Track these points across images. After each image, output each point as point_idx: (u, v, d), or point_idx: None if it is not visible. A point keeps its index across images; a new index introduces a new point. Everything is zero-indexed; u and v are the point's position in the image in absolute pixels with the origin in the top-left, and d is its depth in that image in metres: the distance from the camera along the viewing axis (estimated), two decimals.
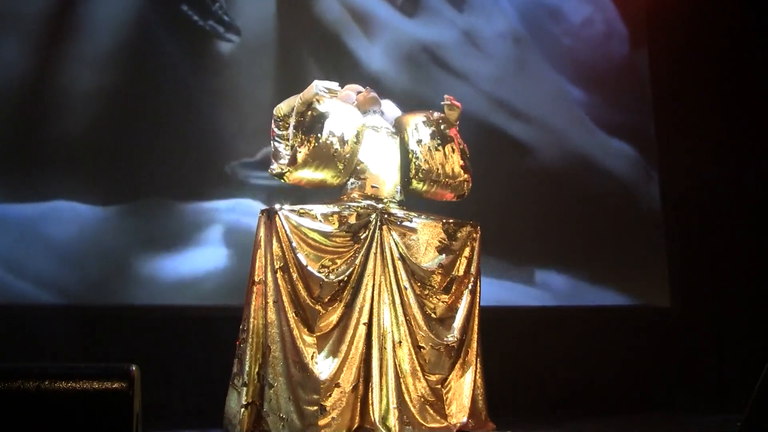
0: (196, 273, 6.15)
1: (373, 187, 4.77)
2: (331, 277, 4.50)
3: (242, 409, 4.38)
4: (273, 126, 4.77)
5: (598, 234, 6.89)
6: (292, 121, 4.66)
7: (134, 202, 6.11)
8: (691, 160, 7.02)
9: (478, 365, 4.70)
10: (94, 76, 6.18)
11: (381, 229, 4.63)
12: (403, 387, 4.50)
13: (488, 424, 4.68)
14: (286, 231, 4.48)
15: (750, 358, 6.16)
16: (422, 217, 4.77)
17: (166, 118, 6.25)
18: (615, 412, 5.88)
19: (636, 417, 5.81)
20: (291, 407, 4.36)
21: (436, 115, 4.98)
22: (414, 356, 4.56)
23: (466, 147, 4.99)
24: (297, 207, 4.60)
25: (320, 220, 4.56)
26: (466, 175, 4.92)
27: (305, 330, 4.45)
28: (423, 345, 4.58)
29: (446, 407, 4.59)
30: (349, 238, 4.58)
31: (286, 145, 4.69)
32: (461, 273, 4.75)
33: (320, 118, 4.67)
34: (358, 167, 4.76)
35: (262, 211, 4.61)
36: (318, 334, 4.46)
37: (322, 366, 4.42)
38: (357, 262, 4.56)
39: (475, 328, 4.74)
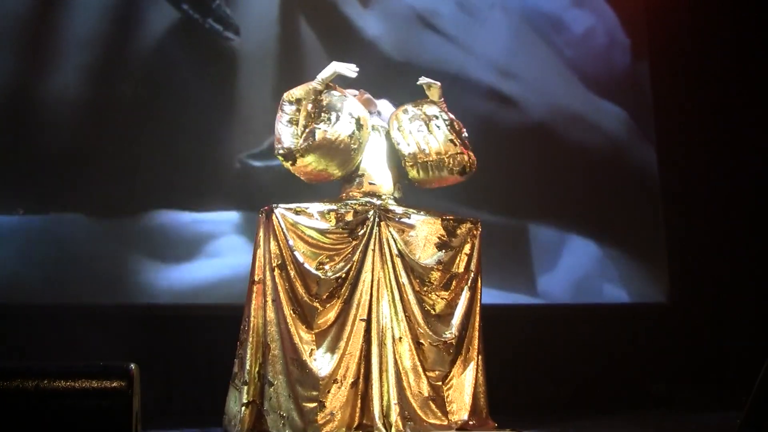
0: (197, 274, 6.16)
1: (370, 184, 4.77)
2: (329, 274, 4.50)
3: (243, 408, 4.39)
4: (282, 111, 4.74)
5: (599, 233, 6.91)
6: (309, 102, 4.70)
7: (133, 210, 6.11)
8: (691, 157, 7.02)
9: (480, 363, 4.69)
10: (90, 81, 6.19)
11: (379, 225, 4.63)
12: (404, 383, 4.50)
13: (489, 422, 4.68)
14: (282, 229, 4.50)
15: (750, 355, 6.16)
16: (421, 213, 4.77)
17: (166, 122, 6.28)
18: (615, 409, 5.88)
19: (636, 414, 5.82)
20: (291, 405, 4.36)
21: (418, 100, 4.97)
22: (414, 352, 4.56)
23: (456, 122, 4.92)
24: (293, 205, 4.60)
25: (317, 218, 4.56)
26: (457, 148, 4.83)
27: (303, 327, 4.46)
28: (422, 341, 4.58)
29: (447, 404, 4.59)
30: (346, 235, 4.58)
31: (296, 129, 4.68)
32: (461, 270, 4.74)
33: (341, 99, 4.72)
34: (358, 166, 4.78)
35: (261, 211, 4.61)
36: (316, 331, 4.46)
37: (321, 363, 4.42)
38: (355, 258, 4.56)
39: (476, 325, 4.73)
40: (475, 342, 4.72)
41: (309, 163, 4.69)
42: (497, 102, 6.90)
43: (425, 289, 4.64)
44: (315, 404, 4.36)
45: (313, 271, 4.49)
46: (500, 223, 6.49)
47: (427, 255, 4.68)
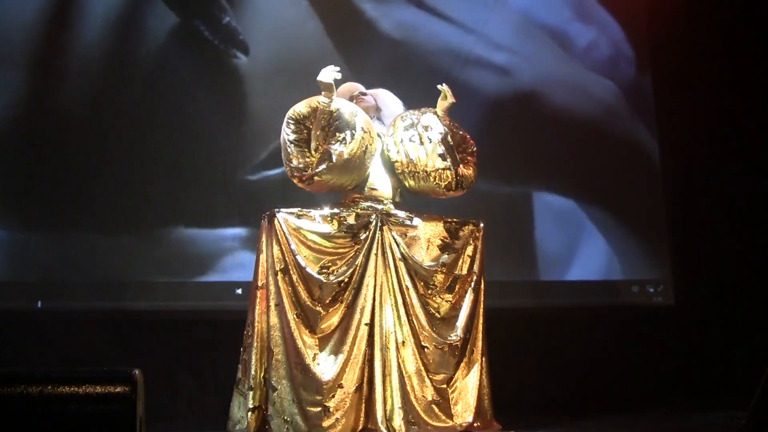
0: (201, 276, 6.18)
1: (372, 189, 4.78)
2: (331, 278, 4.50)
3: (249, 413, 4.40)
4: (288, 129, 4.70)
5: (601, 230, 6.92)
6: (321, 120, 4.65)
7: (139, 225, 6.13)
8: (695, 157, 7.02)
9: (484, 364, 4.69)
10: (97, 97, 6.21)
11: (381, 229, 4.63)
12: (407, 387, 4.50)
13: (494, 424, 4.68)
14: (285, 233, 4.50)
15: (755, 356, 6.16)
16: (423, 216, 4.77)
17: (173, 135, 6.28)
18: (620, 410, 5.87)
19: (641, 415, 5.80)
20: (295, 409, 4.36)
21: (423, 108, 4.93)
22: (418, 356, 4.55)
23: (456, 135, 4.89)
24: (295, 209, 4.60)
25: (319, 222, 4.57)
26: (445, 164, 4.78)
27: (306, 331, 4.46)
28: (426, 345, 4.57)
29: (452, 407, 4.59)
30: (349, 239, 4.58)
31: (306, 150, 4.66)
32: (464, 272, 4.74)
33: (352, 115, 4.69)
34: None
35: (263, 216, 4.62)
36: (319, 335, 4.46)
37: (324, 367, 4.42)
38: (357, 262, 4.56)
39: (480, 326, 4.74)
40: (479, 344, 4.72)
41: (326, 181, 4.68)
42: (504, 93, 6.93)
43: (429, 292, 4.64)
44: (319, 408, 4.36)
45: (316, 275, 4.49)
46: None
47: (430, 257, 4.68)
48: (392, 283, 4.58)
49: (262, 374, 4.45)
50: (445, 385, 4.59)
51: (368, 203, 4.74)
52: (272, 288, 4.48)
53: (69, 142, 6.13)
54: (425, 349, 4.57)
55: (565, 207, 6.88)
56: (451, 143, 4.85)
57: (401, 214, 4.74)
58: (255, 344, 4.46)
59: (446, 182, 4.81)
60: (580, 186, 6.91)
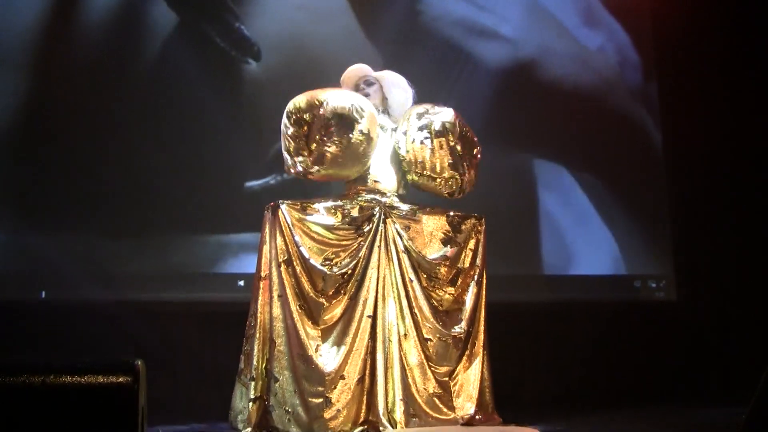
0: (205, 268, 6.19)
1: (375, 181, 4.78)
2: (335, 270, 4.51)
3: (250, 404, 4.40)
4: (287, 122, 4.68)
5: (604, 225, 6.92)
6: (318, 120, 4.63)
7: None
8: (699, 157, 7.02)
9: (485, 357, 4.70)
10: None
11: (385, 222, 4.63)
12: (409, 379, 4.51)
13: (495, 416, 4.69)
14: (288, 225, 4.50)
15: (757, 351, 6.17)
16: (426, 209, 4.77)
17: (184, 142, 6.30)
18: (621, 405, 5.87)
19: (642, 410, 5.81)
20: (296, 400, 4.37)
21: (437, 108, 4.88)
22: (420, 348, 4.56)
23: (461, 145, 4.84)
24: (299, 201, 4.60)
25: (323, 213, 4.57)
26: (452, 173, 4.79)
27: (309, 323, 4.46)
28: (430, 337, 4.58)
29: (453, 399, 4.59)
30: (352, 231, 4.58)
31: (304, 148, 4.66)
32: (467, 265, 4.75)
33: (351, 118, 4.64)
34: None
35: (267, 207, 4.62)
36: (322, 326, 4.47)
37: (327, 358, 4.43)
38: (361, 254, 4.56)
39: (482, 320, 4.74)
40: (481, 337, 4.73)
41: (322, 177, 4.71)
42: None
43: (433, 284, 4.64)
44: (321, 400, 4.37)
45: (319, 266, 4.49)
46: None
47: (433, 250, 4.68)
48: (395, 276, 4.58)
49: (264, 365, 4.45)
50: (447, 378, 4.60)
51: (372, 195, 4.74)
52: (275, 279, 4.48)
53: (76, 143, 6.15)
54: (428, 342, 4.58)
55: (568, 202, 6.88)
56: (461, 152, 4.83)
57: (405, 206, 4.75)
58: (257, 335, 4.46)
59: (450, 189, 4.84)
60: (583, 182, 6.91)
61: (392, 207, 4.70)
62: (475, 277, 4.76)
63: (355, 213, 4.61)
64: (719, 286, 6.87)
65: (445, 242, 4.71)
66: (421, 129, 4.79)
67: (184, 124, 6.30)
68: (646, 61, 7.25)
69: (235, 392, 4.53)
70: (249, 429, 4.36)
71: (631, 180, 7.03)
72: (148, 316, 5.87)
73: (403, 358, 4.51)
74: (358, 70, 4.99)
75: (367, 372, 4.48)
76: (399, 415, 4.39)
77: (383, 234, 4.62)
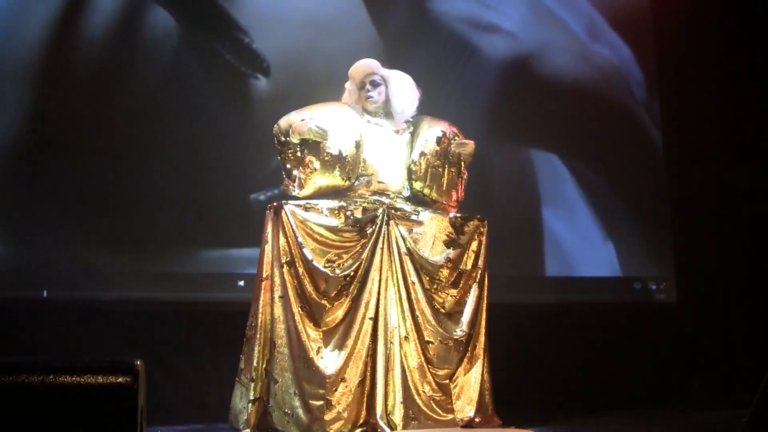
0: (206, 268, 6.19)
1: (379, 183, 4.77)
2: (337, 271, 4.50)
3: (249, 405, 4.39)
4: (276, 143, 4.82)
5: (604, 227, 6.92)
6: (293, 146, 4.74)
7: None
8: (699, 158, 7.02)
9: (486, 360, 4.70)
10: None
11: (388, 224, 4.62)
12: (409, 382, 4.50)
13: (494, 419, 4.68)
14: (292, 226, 4.49)
15: (757, 354, 6.16)
16: (429, 211, 4.76)
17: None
18: (622, 407, 5.87)
19: (642, 412, 5.81)
20: (296, 402, 4.37)
21: (458, 140, 4.91)
22: (421, 351, 4.56)
23: (466, 175, 4.96)
24: (303, 202, 4.61)
25: (326, 214, 4.56)
26: (451, 202, 4.89)
27: (311, 324, 4.45)
28: (431, 340, 4.57)
29: (453, 401, 4.59)
30: (355, 233, 4.58)
31: (287, 164, 4.79)
32: (469, 267, 4.74)
33: (318, 143, 4.69)
34: (364, 166, 4.77)
35: (269, 207, 4.61)
36: (324, 328, 4.46)
37: (328, 361, 4.42)
38: (363, 256, 4.56)
39: (483, 322, 4.74)
40: (482, 339, 4.72)
41: (310, 195, 4.73)
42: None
43: (435, 286, 4.64)
44: (321, 402, 4.36)
45: (322, 268, 4.48)
46: None
47: (435, 252, 4.67)
48: (397, 278, 4.58)
49: (264, 366, 4.44)
50: (447, 380, 4.60)
51: (375, 197, 4.73)
52: (277, 280, 4.48)
53: (82, 148, 6.15)
54: (430, 344, 4.57)
55: (568, 204, 6.88)
56: (464, 182, 4.95)
57: (408, 208, 4.74)
58: (257, 336, 4.46)
59: (442, 210, 4.86)
60: (583, 183, 6.91)
61: (395, 209, 4.69)
62: (477, 278, 4.75)
63: (358, 214, 4.60)
64: (720, 287, 6.86)
65: (448, 244, 4.70)
66: (438, 156, 4.85)
67: (191, 135, 6.30)
68: (648, 66, 7.23)
69: (234, 393, 4.53)
70: (248, 430, 4.36)
71: (632, 181, 7.01)
72: (148, 315, 5.87)
73: (404, 361, 4.51)
74: (366, 66, 4.93)
75: (368, 374, 4.47)
76: (398, 417, 4.39)
77: (386, 236, 4.61)
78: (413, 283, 4.59)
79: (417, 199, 4.88)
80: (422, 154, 4.84)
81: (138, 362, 2.68)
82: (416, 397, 4.50)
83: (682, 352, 6.68)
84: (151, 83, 6.30)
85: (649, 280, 6.85)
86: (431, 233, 4.69)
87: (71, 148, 6.13)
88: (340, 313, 4.50)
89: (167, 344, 5.80)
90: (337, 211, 4.58)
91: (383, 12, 6.70)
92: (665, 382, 6.54)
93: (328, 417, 4.35)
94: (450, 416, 4.55)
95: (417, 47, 6.58)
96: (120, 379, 2.62)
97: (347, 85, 4.94)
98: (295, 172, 4.76)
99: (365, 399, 4.45)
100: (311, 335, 4.44)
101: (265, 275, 4.53)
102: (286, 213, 4.51)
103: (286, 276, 4.47)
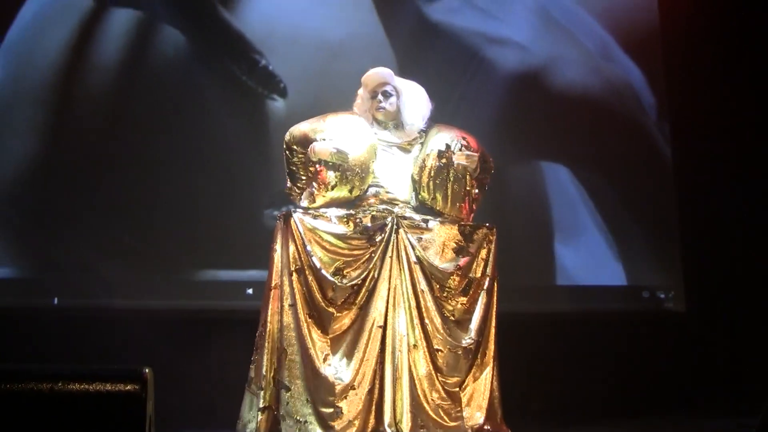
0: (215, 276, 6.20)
1: (388, 193, 4.78)
2: (345, 280, 4.49)
3: (259, 413, 4.39)
4: (286, 150, 4.83)
5: (612, 235, 6.91)
6: (308, 160, 4.74)
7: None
8: (708, 166, 7.01)
9: (495, 367, 4.68)
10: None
11: (397, 232, 4.62)
12: (418, 390, 4.48)
13: (503, 427, 4.67)
14: (300, 233, 4.49)
15: (766, 363, 6.14)
16: (438, 219, 4.76)
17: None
18: (629, 415, 5.86)
19: (650, 420, 5.80)
20: (307, 410, 4.36)
21: (462, 151, 4.83)
22: (430, 359, 4.54)
23: (476, 189, 4.91)
24: (311, 210, 4.61)
25: (335, 222, 4.56)
26: (460, 214, 4.84)
27: (318, 332, 4.45)
28: (440, 348, 4.56)
29: (463, 410, 4.58)
30: (364, 241, 4.57)
31: (297, 175, 4.81)
32: (478, 275, 4.72)
33: (341, 160, 4.69)
34: (374, 178, 4.78)
35: (279, 216, 4.62)
36: (331, 336, 4.46)
37: (337, 368, 4.42)
38: (372, 265, 4.55)
39: (492, 330, 4.71)
40: (491, 346, 4.70)
41: (319, 206, 4.73)
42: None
43: (445, 294, 4.62)
44: (332, 410, 4.36)
45: (330, 277, 4.48)
46: None
47: (445, 260, 4.66)
48: (407, 286, 4.57)
49: (273, 374, 4.44)
50: (457, 389, 4.58)
51: (384, 206, 4.74)
52: (286, 288, 4.48)
53: (96, 164, 6.27)
54: (439, 352, 4.56)
55: (576, 212, 6.88)
56: (474, 197, 4.89)
57: (417, 216, 4.73)
58: (266, 344, 4.46)
59: (451, 219, 4.82)
60: (592, 194, 6.90)
61: (405, 217, 4.69)
62: (486, 286, 4.74)
63: (367, 222, 4.60)
64: (728, 296, 6.84)
65: (457, 252, 4.69)
66: (441, 170, 4.80)
67: (203, 148, 6.40)
68: (658, 85, 7.23)
69: (244, 401, 4.52)
70: None
71: (640, 190, 7.01)
72: (157, 323, 5.89)
73: (413, 369, 4.50)
74: (378, 76, 4.90)
75: (377, 382, 4.46)
76: (407, 425, 4.38)
77: (395, 244, 4.60)
78: (423, 291, 4.58)
79: (424, 210, 4.88)
80: (424, 166, 4.83)
81: (146, 370, 2.69)
82: (425, 405, 4.48)
83: (691, 361, 6.66)
84: (165, 103, 6.41)
85: (658, 289, 6.84)
86: (440, 241, 4.68)
87: (85, 162, 6.23)
88: (347, 321, 4.49)
89: (176, 352, 5.81)
90: (345, 219, 4.59)
91: (394, 24, 6.73)
92: (673, 391, 6.52)
93: (338, 425, 4.34)
94: (458, 424, 4.54)
95: (428, 59, 6.62)
96: (128, 387, 2.62)
97: (360, 91, 4.95)
98: (307, 187, 4.78)
99: (374, 407, 4.44)
100: (318, 343, 4.44)
101: (274, 284, 4.52)
102: (295, 221, 4.51)
103: (295, 284, 4.47)
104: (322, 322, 4.47)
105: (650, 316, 6.81)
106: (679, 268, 6.89)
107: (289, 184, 4.86)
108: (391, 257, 4.58)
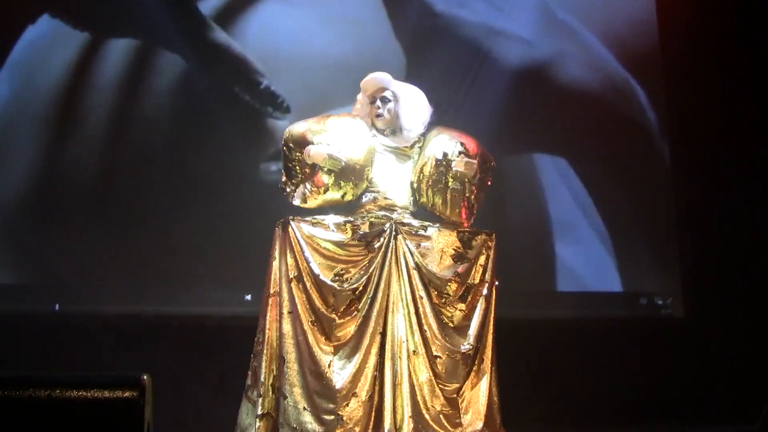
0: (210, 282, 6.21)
1: (386, 199, 4.78)
2: (344, 286, 4.49)
3: (257, 420, 4.39)
4: (284, 147, 4.83)
5: (609, 241, 6.91)
6: (303, 161, 4.75)
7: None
8: (705, 171, 7.01)
9: (493, 373, 4.67)
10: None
11: (395, 238, 4.61)
12: (418, 397, 4.48)
13: None
14: (299, 241, 4.49)
15: (765, 369, 6.14)
16: (437, 225, 4.75)
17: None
18: (628, 422, 5.86)
19: (649, 427, 5.80)
20: (306, 418, 4.35)
21: (460, 157, 4.81)
22: (429, 366, 4.53)
23: (474, 195, 4.89)
24: (309, 217, 4.61)
25: (333, 230, 4.56)
26: (459, 219, 4.82)
27: (322, 339, 4.44)
28: (439, 354, 4.55)
29: (461, 416, 4.57)
30: (362, 247, 4.57)
31: (292, 174, 4.81)
32: (477, 281, 4.71)
33: (331, 171, 4.70)
34: (372, 182, 4.78)
35: (277, 224, 4.61)
36: (335, 343, 4.45)
37: (339, 375, 4.41)
38: (371, 271, 4.54)
39: (490, 335, 4.71)
40: (489, 353, 4.69)
41: (313, 207, 4.77)
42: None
43: (443, 301, 4.61)
44: (333, 417, 4.35)
45: (329, 282, 4.47)
46: None
47: (443, 267, 4.64)
48: (405, 293, 4.55)
49: (272, 381, 4.44)
50: (455, 395, 4.57)
51: (383, 212, 4.73)
52: (285, 296, 4.47)
53: (98, 177, 6.35)
54: (438, 359, 4.55)
55: (574, 218, 6.88)
56: (474, 202, 4.89)
57: (415, 223, 4.73)
58: (265, 351, 4.45)
59: (450, 225, 4.81)
60: (590, 197, 6.91)
61: (403, 223, 4.69)
62: (485, 292, 4.73)
63: (365, 229, 4.59)
64: (726, 302, 6.84)
65: (456, 258, 4.68)
66: (438, 179, 4.78)
67: (203, 161, 6.48)
68: (658, 103, 7.25)
69: (241, 409, 4.52)
70: None
71: (639, 195, 7.02)
72: (155, 330, 5.90)
73: (413, 375, 4.49)
74: (376, 81, 4.88)
75: (377, 389, 4.46)
76: (407, 431, 4.38)
77: (394, 250, 4.59)
78: (421, 297, 4.57)
79: (424, 215, 4.87)
80: (422, 173, 4.82)
81: (145, 377, 2.68)
82: (425, 411, 4.47)
83: (689, 366, 6.65)
84: (168, 121, 6.49)
85: (656, 295, 6.85)
86: (439, 248, 4.67)
87: (87, 173, 6.26)
88: (351, 329, 4.48)
89: (174, 359, 5.81)
90: (343, 226, 4.58)
91: (400, 12, 6.82)
92: (672, 397, 6.51)
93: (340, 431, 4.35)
94: (458, 430, 4.53)
95: (435, 52, 6.66)
96: (127, 394, 2.62)
97: (359, 96, 4.95)
98: (301, 186, 4.78)
99: (374, 413, 4.44)
100: (323, 349, 4.43)
101: (273, 291, 4.52)
102: (293, 228, 4.51)
103: (295, 291, 4.46)
104: (325, 329, 4.46)
105: (648, 322, 6.81)
106: (676, 275, 6.90)
107: (284, 179, 4.85)
108: (390, 263, 4.57)
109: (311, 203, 4.74)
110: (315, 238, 4.52)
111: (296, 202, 4.77)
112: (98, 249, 6.13)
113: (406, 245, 4.61)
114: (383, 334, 4.50)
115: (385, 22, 6.84)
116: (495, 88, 6.85)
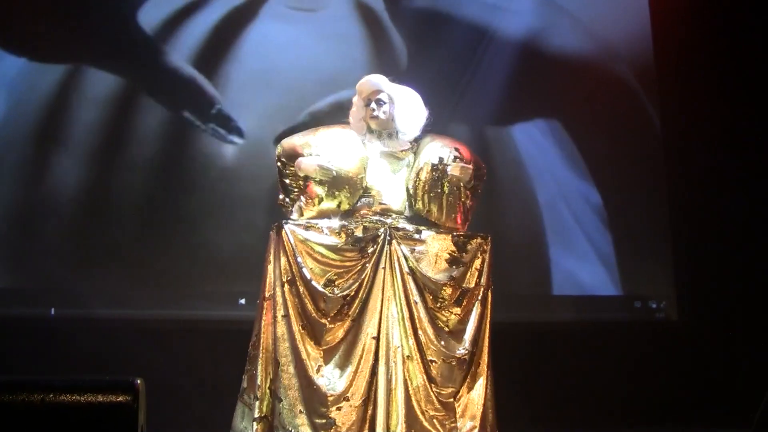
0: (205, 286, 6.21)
1: (381, 204, 4.78)
2: (336, 291, 4.49)
3: (254, 424, 4.39)
4: (278, 162, 4.88)
5: (603, 245, 6.92)
6: (295, 174, 4.80)
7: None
8: (700, 174, 7.02)
9: (489, 377, 4.67)
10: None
11: (390, 243, 4.61)
12: (413, 401, 4.47)
13: None
14: (292, 245, 4.50)
15: (760, 373, 6.14)
16: (431, 230, 4.75)
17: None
18: (623, 426, 5.86)
19: (644, 430, 5.79)
20: (300, 421, 4.36)
21: (456, 163, 4.81)
22: (424, 370, 4.53)
23: (470, 201, 4.91)
24: (303, 221, 4.61)
25: (326, 234, 4.56)
26: (454, 225, 4.83)
27: (311, 343, 4.45)
28: (434, 359, 4.54)
29: (457, 420, 4.57)
30: (356, 252, 4.56)
31: (293, 186, 4.84)
32: (472, 285, 4.70)
33: (323, 182, 4.72)
34: (367, 189, 4.78)
35: (272, 227, 4.62)
36: (324, 347, 4.46)
37: (330, 379, 4.42)
38: (364, 276, 4.54)
39: (486, 339, 4.70)
40: (485, 357, 4.68)
41: (310, 217, 4.76)
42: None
43: (438, 305, 4.60)
44: (324, 421, 4.36)
45: (321, 288, 4.48)
46: None
47: (438, 271, 4.64)
48: (400, 297, 4.55)
49: (268, 385, 4.44)
50: (451, 399, 4.56)
51: (377, 217, 4.73)
52: (279, 299, 4.48)
53: (93, 185, 6.39)
54: (433, 363, 4.54)
55: (568, 223, 6.89)
56: (469, 207, 4.89)
57: (410, 227, 4.72)
58: (260, 355, 4.45)
59: (446, 230, 4.80)
60: (584, 203, 6.91)
61: (398, 228, 4.68)
62: (480, 296, 4.73)
63: (359, 233, 4.59)
64: (721, 305, 6.85)
65: (450, 263, 4.67)
66: (434, 185, 4.77)
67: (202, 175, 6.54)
68: (653, 100, 7.27)
69: (236, 412, 4.52)
70: None
71: (632, 198, 7.02)
72: (149, 333, 5.90)
73: (407, 380, 4.49)
74: (371, 84, 4.86)
75: (371, 393, 4.45)
76: None
77: (388, 255, 4.59)
78: (416, 302, 4.56)
79: (419, 220, 4.87)
80: (418, 179, 4.82)
81: (138, 381, 2.68)
82: (420, 416, 4.47)
83: (684, 370, 6.66)
84: (160, 131, 6.45)
85: (650, 298, 6.85)
86: (434, 252, 4.67)
87: (83, 178, 6.26)
88: (340, 333, 4.49)
89: (168, 362, 5.81)
90: (337, 231, 4.58)
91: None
92: (666, 401, 6.52)
93: None
94: None
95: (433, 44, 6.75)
96: (120, 398, 2.61)
97: (354, 99, 4.94)
98: (297, 201, 4.80)
99: (367, 418, 4.44)
100: (311, 354, 4.44)
101: (267, 295, 4.52)
102: (286, 232, 4.52)
103: (288, 295, 4.47)
104: (315, 333, 4.47)
105: (642, 325, 6.81)
106: (671, 278, 6.90)
107: (281, 195, 4.89)
108: (384, 268, 4.57)
109: (308, 215, 4.74)
110: (309, 242, 4.52)
111: (294, 216, 4.78)
112: (93, 252, 6.13)
113: (401, 250, 4.60)
114: (377, 339, 4.49)
115: (374, 39, 6.86)
116: (502, 68, 6.90)
